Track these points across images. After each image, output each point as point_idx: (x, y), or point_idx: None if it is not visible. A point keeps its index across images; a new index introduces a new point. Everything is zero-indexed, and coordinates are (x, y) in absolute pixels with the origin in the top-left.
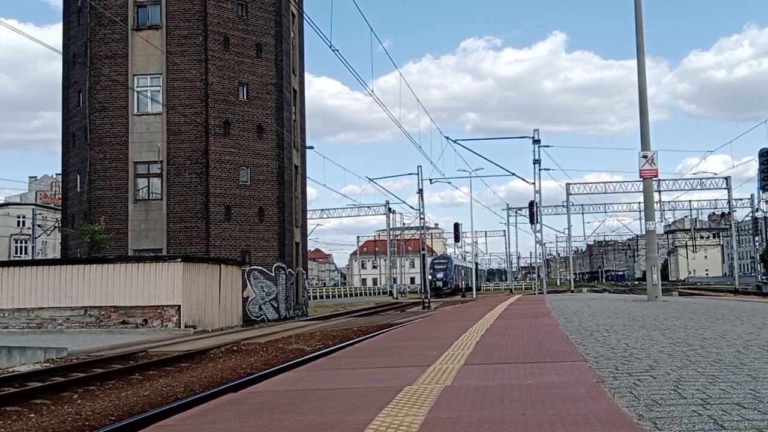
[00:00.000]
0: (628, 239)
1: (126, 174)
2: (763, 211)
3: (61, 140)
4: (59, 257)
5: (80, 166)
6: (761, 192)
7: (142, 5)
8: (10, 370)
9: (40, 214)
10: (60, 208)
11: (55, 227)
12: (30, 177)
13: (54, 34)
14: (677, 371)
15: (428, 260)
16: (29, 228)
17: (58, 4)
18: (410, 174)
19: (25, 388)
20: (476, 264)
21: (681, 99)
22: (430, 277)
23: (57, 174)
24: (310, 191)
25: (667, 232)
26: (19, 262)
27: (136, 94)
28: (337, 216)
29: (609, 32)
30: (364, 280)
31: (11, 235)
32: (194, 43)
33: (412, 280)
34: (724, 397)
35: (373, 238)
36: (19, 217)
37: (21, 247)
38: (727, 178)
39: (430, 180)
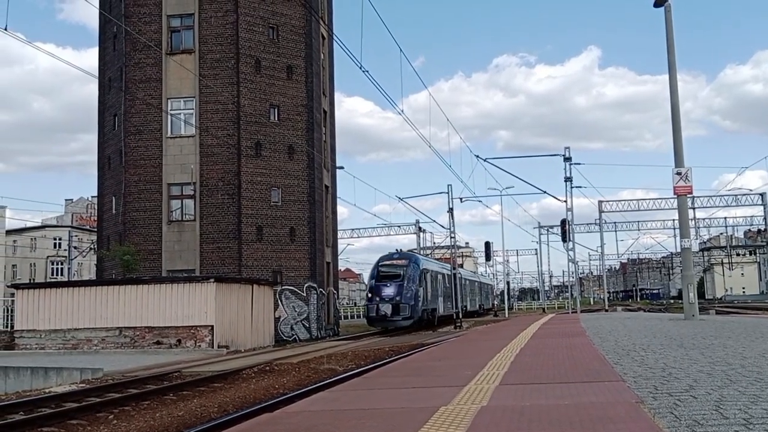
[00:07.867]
0: (663, 257)
1: (160, 196)
2: None
3: (96, 163)
4: (95, 278)
5: (115, 188)
6: None
7: (175, 30)
8: (47, 390)
9: (76, 236)
10: (95, 230)
11: (91, 249)
12: (66, 199)
13: (91, 57)
14: (718, 391)
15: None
16: (65, 250)
17: (96, 28)
18: (441, 193)
19: (61, 409)
20: (508, 283)
21: (716, 114)
22: (369, 295)
23: (93, 196)
24: (341, 211)
25: (702, 250)
26: (55, 283)
27: (169, 117)
28: (368, 235)
29: (644, 47)
30: None
31: (48, 256)
32: (226, 67)
33: None
34: (767, 417)
35: None
36: (55, 239)
37: (57, 268)
38: (762, 194)
39: (461, 199)
